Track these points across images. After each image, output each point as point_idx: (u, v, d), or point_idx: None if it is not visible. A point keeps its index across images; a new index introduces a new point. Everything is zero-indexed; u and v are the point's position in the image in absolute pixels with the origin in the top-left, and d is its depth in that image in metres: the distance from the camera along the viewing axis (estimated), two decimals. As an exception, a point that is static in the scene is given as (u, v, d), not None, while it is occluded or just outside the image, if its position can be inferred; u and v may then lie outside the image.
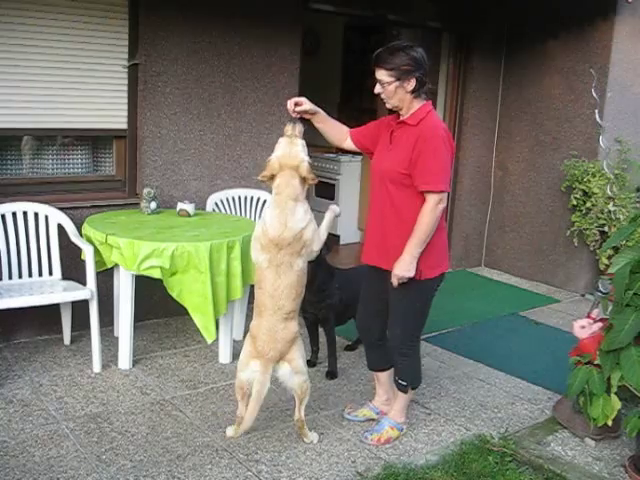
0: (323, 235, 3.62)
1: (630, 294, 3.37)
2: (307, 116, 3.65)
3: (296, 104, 3.58)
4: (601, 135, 6.55)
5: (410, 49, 3.41)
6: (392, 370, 3.87)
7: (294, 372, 3.56)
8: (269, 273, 3.44)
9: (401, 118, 3.51)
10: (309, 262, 4.08)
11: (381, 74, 3.43)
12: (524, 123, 7.24)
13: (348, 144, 3.80)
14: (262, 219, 3.52)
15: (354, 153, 8.18)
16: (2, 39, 4.54)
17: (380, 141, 3.62)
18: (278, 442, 3.69)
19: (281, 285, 3.44)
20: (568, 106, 6.82)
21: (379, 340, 3.85)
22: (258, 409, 3.48)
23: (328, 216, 3.73)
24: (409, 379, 3.76)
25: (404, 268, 3.41)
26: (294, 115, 3.59)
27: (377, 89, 3.50)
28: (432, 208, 3.37)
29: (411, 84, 3.39)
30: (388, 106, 3.55)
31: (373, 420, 3.95)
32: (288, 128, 3.54)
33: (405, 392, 3.79)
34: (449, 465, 3.54)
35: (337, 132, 3.80)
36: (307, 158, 3.49)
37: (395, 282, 3.46)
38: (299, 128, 3.54)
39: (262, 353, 3.48)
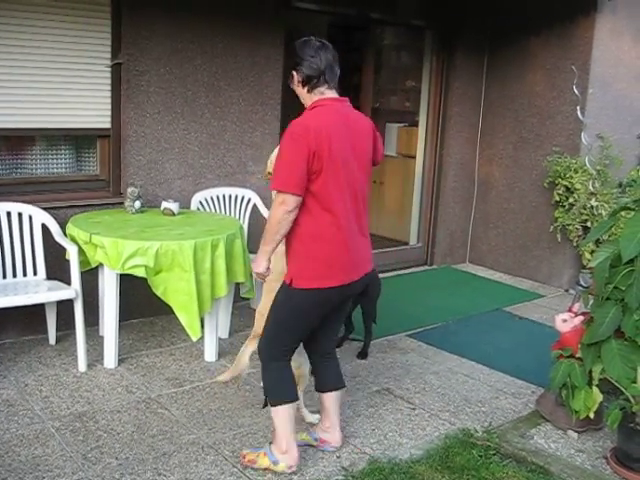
0: None
1: (610, 288, 3.42)
2: None
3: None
4: (583, 131, 6.60)
5: (297, 43, 3.33)
6: (336, 394, 3.61)
7: None
8: None
9: None
10: None
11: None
12: (507, 120, 7.29)
13: None
14: None
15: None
16: (-16, 39, 4.55)
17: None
18: (263, 439, 3.70)
19: None
20: (550, 103, 6.87)
21: (322, 357, 3.62)
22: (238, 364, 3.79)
23: None
24: (265, 390, 3.48)
25: (255, 263, 3.26)
26: None
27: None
28: (275, 207, 3.12)
29: (292, 79, 3.31)
30: None
31: (311, 446, 3.63)
32: None
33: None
34: (433, 459, 3.57)
35: None
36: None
37: (254, 275, 3.36)
38: None
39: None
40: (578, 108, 6.59)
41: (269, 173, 3.64)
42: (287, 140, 3.11)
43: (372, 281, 4.93)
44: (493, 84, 7.37)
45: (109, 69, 5.06)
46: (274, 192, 3.15)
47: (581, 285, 4.08)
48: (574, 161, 6.55)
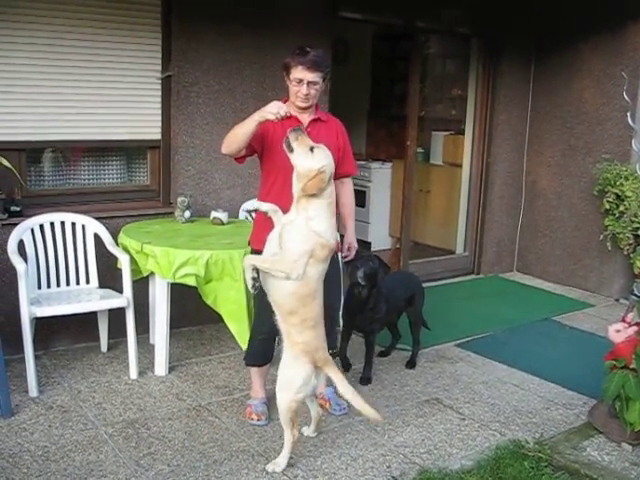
0: None
1: (666, 297, 3.37)
2: None
3: None
4: (633, 138, 6.49)
5: (325, 52, 3.77)
6: None
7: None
8: (321, 284, 3.40)
9: (311, 116, 3.72)
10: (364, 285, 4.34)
11: (316, 76, 3.59)
12: (555, 127, 7.21)
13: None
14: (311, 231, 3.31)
15: (384, 160, 8.30)
16: (41, 53, 4.66)
17: (275, 139, 3.59)
18: (313, 447, 3.72)
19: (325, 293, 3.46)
20: (599, 109, 6.78)
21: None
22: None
23: None
24: None
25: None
26: None
27: (306, 90, 3.59)
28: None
29: (321, 85, 3.68)
30: (304, 106, 3.66)
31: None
32: None
33: None
34: (484, 470, 3.54)
35: None
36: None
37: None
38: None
39: (327, 361, 3.47)
40: (628, 114, 6.48)
41: None
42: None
43: (417, 290, 4.93)
44: (540, 91, 7.30)
45: (160, 81, 5.15)
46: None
47: (635, 295, 4.00)
48: (624, 168, 6.45)
